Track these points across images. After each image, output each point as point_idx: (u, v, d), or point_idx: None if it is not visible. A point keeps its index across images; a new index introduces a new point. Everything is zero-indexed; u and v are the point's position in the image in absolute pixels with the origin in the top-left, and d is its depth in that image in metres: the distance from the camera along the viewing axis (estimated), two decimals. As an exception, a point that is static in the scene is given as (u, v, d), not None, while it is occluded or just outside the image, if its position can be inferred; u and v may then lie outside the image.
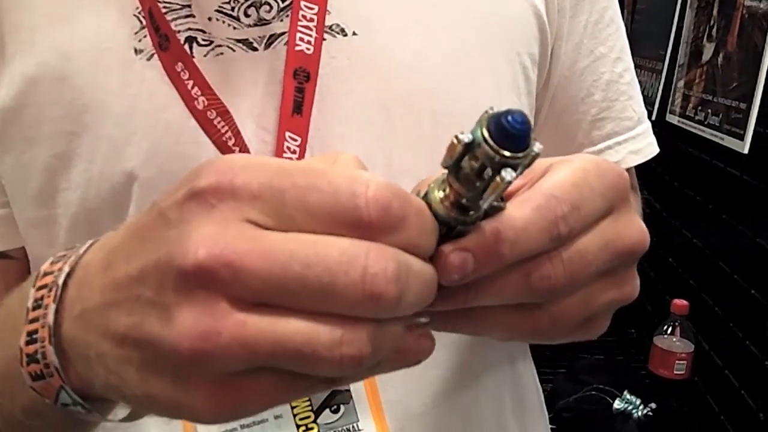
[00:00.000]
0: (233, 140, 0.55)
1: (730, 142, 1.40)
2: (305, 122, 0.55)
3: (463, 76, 0.59)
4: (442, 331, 0.38)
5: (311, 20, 0.56)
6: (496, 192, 0.32)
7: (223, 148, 0.55)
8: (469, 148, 0.32)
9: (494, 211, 0.35)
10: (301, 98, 0.55)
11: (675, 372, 1.67)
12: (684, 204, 1.85)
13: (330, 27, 0.57)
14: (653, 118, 1.91)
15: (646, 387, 1.68)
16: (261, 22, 0.56)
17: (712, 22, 1.61)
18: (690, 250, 1.79)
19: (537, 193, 0.37)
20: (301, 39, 0.55)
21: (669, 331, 1.69)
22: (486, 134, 0.31)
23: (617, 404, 1.62)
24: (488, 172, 0.32)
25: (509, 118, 0.31)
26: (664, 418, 1.61)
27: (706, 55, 1.61)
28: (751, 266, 1.43)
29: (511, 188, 0.37)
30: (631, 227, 0.40)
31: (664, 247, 1.97)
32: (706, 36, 1.63)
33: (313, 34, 0.55)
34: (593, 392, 1.68)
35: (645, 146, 0.72)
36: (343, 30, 0.57)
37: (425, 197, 0.35)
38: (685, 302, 1.67)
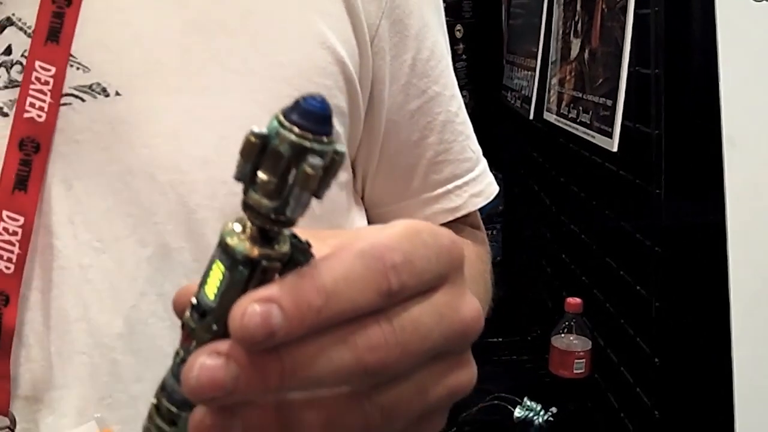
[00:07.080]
0: None
1: (600, 140, 1.38)
2: (31, 200, 0.49)
3: None
4: None
5: (46, 83, 0.48)
6: (306, 189, 0.29)
7: None
8: (266, 143, 0.29)
9: (302, 259, 0.30)
10: (27, 172, 0.49)
11: (575, 371, 1.66)
12: (569, 200, 1.84)
13: (90, 87, 0.50)
14: (531, 116, 1.89)
15: (548, 390, 1.66)
16: (12, 84, 0.50)
17: (576, 17, 1.59)
18: (579, 246, 1.78)
19: (359, 240, 0.30)
20: (32, 105, 0.48)
21: (565, 331, 1.67)
22: (282, 119, 0.29)
23: (518, 412, 1.59)
24: (293, 173, 0.29)
25: (306, 98, 0.29)
26: (564, 422, 1.60)
27: (574, 51, 1.59)
28: (636, 263, 1.42)
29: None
30: (467, 303, 0.33)
31: (557, 242, 1.96)
32: (572, 32, 1.61)
33: (47, 99, 0.49)
34: (496, 401, 1.65)
35: (486, 187, 0.69)
36: (104, 90, 0.50)
37: (221, 242, 0.29)
38: (578, 300, 1.65)
